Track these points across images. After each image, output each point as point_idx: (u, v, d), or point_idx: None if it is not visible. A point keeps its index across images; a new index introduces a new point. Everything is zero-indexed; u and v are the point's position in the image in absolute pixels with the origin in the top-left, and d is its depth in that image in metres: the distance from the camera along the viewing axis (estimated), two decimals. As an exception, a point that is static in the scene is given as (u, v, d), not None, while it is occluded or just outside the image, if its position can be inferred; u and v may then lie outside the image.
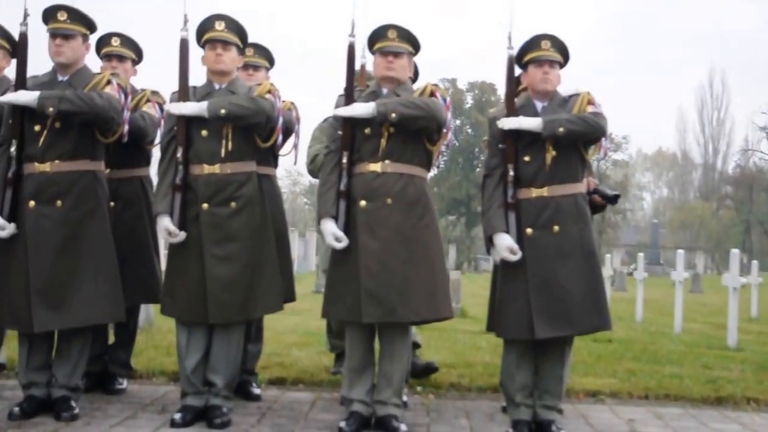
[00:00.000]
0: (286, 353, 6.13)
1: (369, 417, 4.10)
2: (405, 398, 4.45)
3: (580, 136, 3.97)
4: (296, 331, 7.82)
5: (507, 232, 3.99)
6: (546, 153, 4.00)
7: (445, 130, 4.14)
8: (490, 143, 4.21)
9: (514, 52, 4.09)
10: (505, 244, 3.96)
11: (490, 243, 4.08)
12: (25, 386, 4.13)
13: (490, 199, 4.07)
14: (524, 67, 4.11)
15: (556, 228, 3.98)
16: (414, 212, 4.06)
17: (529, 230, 3.99)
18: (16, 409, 4.03)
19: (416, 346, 5.35)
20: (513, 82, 4.08)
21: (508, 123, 3.99)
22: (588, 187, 4.36)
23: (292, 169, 46.68)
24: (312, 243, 25.45)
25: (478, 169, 48.22)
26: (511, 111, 4.03)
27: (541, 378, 4.12)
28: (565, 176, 4.03)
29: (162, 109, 4.64)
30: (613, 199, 4.55)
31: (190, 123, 4.08)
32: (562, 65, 4.12)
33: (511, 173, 4.01)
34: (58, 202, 4.02)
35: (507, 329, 4.06)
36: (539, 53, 4.05)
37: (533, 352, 4.10)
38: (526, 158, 4.01)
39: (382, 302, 3.95)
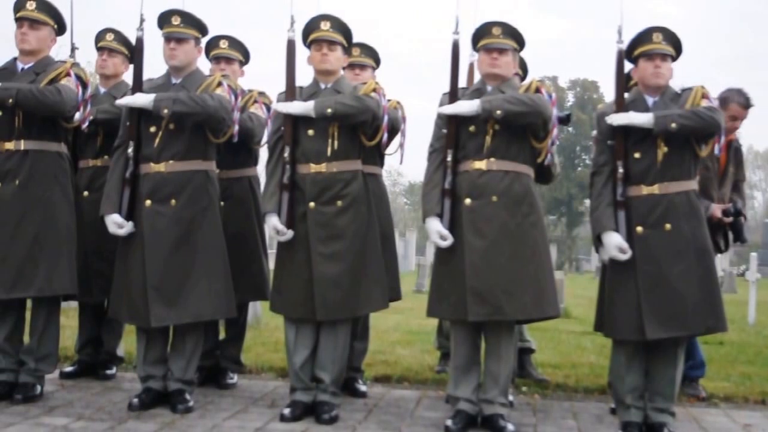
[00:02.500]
0: (390, 351, 6.17)
1: (475, 415, 4.08)
2: (511, 397, 4.41)
3: (693, 131, 3.85)
4: (399, 329, 7.85)
5: (616, 230, 3.90)
6: (657, 149, 3.90)
7: (551, 126, 4.09)
8: (599, 140, 4.13)
9: (624, 45, 3.99)
10: (615, 242, 3.88)
11: (598, 242, 4.00)
12: (143, 379, 4.29)
13: (598, 197, 3.99)
14: (634, 61, 4.02)
15: (667, 226, 3.87)
16: (520, 210, 4.01)
17: (639, 228, 3.89)
18: (135, 400, 4.19)
19: (530, 351, 5.30)
20: (623, 77, 3.99)
21: (617, 119, 3.91)
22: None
23: (392, 169, 46.87)
24: (412, 243, 25.53)
25: (579, 168, 47.37)
26: (621, 107, 3.94)
27: (653, 380, 4.01)
28: (677, 173, 3.91)
29: (269, 110, 4.74)
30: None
31: (297, 122, 4.15)
32: (674, 59, 4.00)
33: (621, 170, 3.92)
34: (173, 201, 4.16)
35: (616, 329, 3.97)
36: (650, 46, 3.94)
37: (644, 353, 4.00)
38: (636, 155, 3.91)
39: (488, 300, 3.93)
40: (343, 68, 4.47)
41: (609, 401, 4.68)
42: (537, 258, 4.02)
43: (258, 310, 7.31)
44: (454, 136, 4.07)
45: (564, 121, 4.40)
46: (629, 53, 4.01)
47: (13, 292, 4.18)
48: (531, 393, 5.04)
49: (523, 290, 3.95)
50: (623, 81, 3.99)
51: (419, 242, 31.24)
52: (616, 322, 3.94)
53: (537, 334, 7.47)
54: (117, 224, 4.15)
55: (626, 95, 4.01)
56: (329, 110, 4.06)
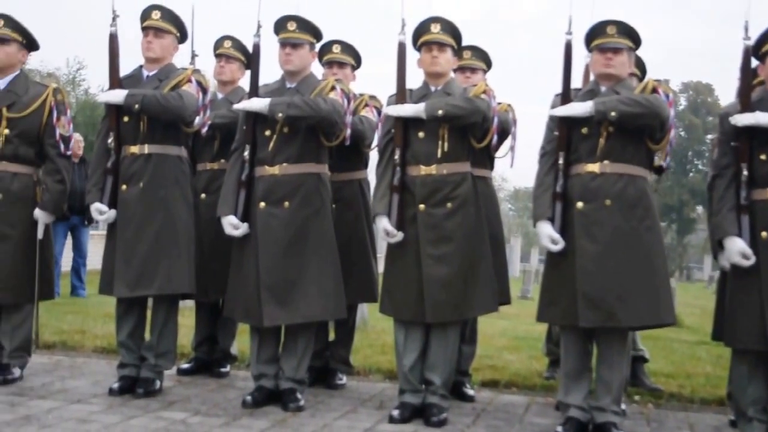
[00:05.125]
0: (498, 356, 6.12)
1: (586, 423, 3.99)
2: (623, 406, 4.30)
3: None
4: (506, 335, 7.79)
5: (739, 235, 3.76)
6: (785, 150, 3.74)
7: (668, 128, 3.97)
8: (721, 141, 3.98)
9: (751, 42, 3.84)
10: (737, 248, 3.74)
11: (719, 247, 3.86)
12: (256, 377, 4.39)
13: (720, 201, 3.85)
14: (762, 58, 3.86)
15: (796, 232, 3.71)
16: (634, 214, 3.91)
17: (765, 234, 3.73)
18: (248, 398, 4.29)
19: (643, 360, 5.17)
20: (749, 75, 3.83)
21: (742, 119, 3.76)
22: None
23: (497, 175, 46.58)
24: (517, 249, 25.28)
25: (691, 174, 45.93)
26: (746, 106, 3.79)
27: (779, 392, 3.84)
28: None
29: (379, 113, 4.78)
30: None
31: (407, 125, 4.18)
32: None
33: (745, 173, 3.77)
34: (286, 203, 4.24)
35: (737, 338, 3.82)
36: None
37: (767, 364, 3.84)
38: (763, 156, 3.76)
39: (601, 306, 3.84)
40: (454, 71, 4.48)
41: (728, 413, 4.51)
42: (652, 263, 3.92)
43: (365, 312, 7.37)
44: (566, 138, 4.01)
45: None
46: (756, 50, 3.85)
47: (135, 290, 4.35)
48: (644, 402, 4.91)
49: (637, 296, 3.85)
50: (749, 79, 3.84)
51: (524, 248, 30.94)
52: (738, 331, 3.80)
53: (648, 343, 7.25)
54: (233, 225, 4.26)
55: (752, 94, 3.86)
56: (440, 112, 4.06)
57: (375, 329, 7.12)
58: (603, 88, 4.02)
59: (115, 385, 4.43)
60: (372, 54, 5.53)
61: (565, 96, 4.04)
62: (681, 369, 6.00)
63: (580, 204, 3.94)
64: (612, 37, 3.97)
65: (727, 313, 3.88)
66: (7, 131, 4.49)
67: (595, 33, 4.02)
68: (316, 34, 4.38)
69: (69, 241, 9.63)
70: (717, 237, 3.85)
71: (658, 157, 4.10)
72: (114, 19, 4.40)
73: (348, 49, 4.95)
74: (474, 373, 5.10)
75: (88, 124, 18.16)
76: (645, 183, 3.99)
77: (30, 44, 4.62)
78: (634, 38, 4.02)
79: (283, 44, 4.31)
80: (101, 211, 4.39)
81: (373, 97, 4.91)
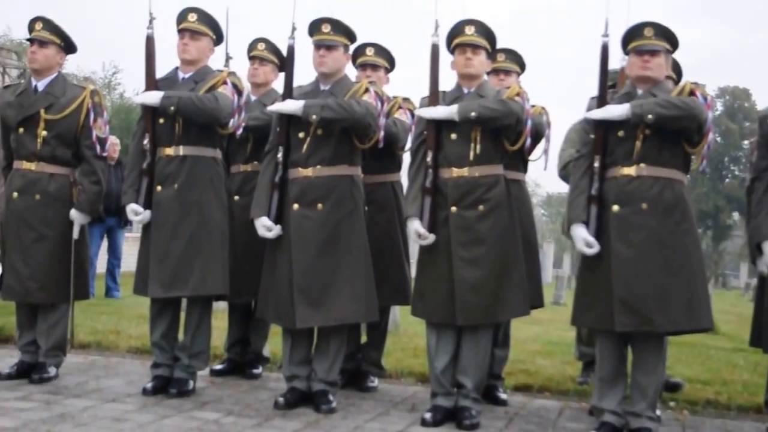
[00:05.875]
0: (531, 361, 6.07)
1: (621, 428, 3.95)
2: (658, 412, 4.26)
3: None
4: (538, 340, 7.72)
5: (778, 238, 3.70)
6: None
7: (706, 131, 3.92)
8: (760, 144, 3.93)
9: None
10: (776, 251, 3.68)
11: (757, 251, 3.80)
12: (288, 378, 4.40)
13: (759, 204, 3.80)
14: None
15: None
16: (671, 218, 3.87)
17: (804, 237, 3.67)
18: (281, 399, 4.30)
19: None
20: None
21: (782, 120, 3.71)
22: None
23: (530, 180, 46.37)
24: (549, 254, 25.12)
25: (727, 180, 45.36)
26: (785, 108, 3.74)
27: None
28: None
29: (413, 115, 4.77)
30: None
31: (440, 127, 4.16)
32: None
33: (784, 175, 3.72)
34: (319, 205, 4.25)
35: (777, 345, 3.76)
36: None
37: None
38: (802, 158, 3.71)
39: (637, 311, 3.80)
40: (488, 73, 4.46)
41: (765, 421, 4.45)
42: (689, 267, 3.87)
43: (397, 315, 7.36)
44: (601, 141, 3.97)
45: None
46: None
47: (170, 291, 4.38)
48: (679, 408, 4.85)
49: (674, 301, 3.80)
50: None
51: (557, 254, 30.73)
52: (777, 337, 3.73)
53: (684, 349, 7.21)
54: (266, 227, 4.27)
55: None
56: (473, 114, 4.05)
57: (407, 332, 7.11)
58: (640, 91, 3.98)
59: (149, 385, 4.47)
60: (405, 57, 5.51)
61: (602, 99, 4.00)
62: (718, 376, 5.91)
63: (615, 207, 3.90)
64: (649, 39, 3.93)
65: (766, 318, 3.82)
66: (45, 133, 4.55)
67: (632, 35, 3.98)
68: (350, 36, 4.39)
69: (104, 243, 9.73)
70: (755, 241, 3.80)
71: (693, 161, 4.05)
72: (151, 21, 4.45)
73: (382, 51, 4.95)
74: (507, 377, 5.06)
75: (123, 128, 18.35)
76: (682, 186, 3.95)
77: (68, 47, 4.69)
78: (672, 40, 3.97)
79: (317, 46, 4.32)
80: (137, 212, 4.43)
81: (406, 100, 4.90)
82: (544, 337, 8.03)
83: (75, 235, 4.61)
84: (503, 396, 4.76)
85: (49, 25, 4.59)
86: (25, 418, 3.81)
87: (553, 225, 45.92)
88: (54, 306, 4.65)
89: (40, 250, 4.56)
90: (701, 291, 3.90)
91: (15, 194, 4.59)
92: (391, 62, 5.00)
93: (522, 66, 4.84)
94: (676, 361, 6.11)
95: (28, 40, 4.64)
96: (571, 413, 4.62)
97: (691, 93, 3.90)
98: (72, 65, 22.12)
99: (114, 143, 8.88)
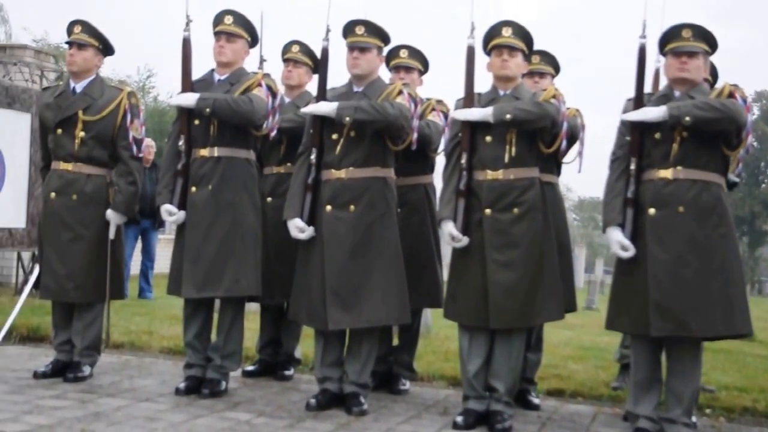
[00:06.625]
0: (563, 365, 6.02)
1: (655, 435, 3.91)
2: (694, 419, 4.19)
3: None
4: (570, 344, 7.65)
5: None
6: None
7: (745, 134, 3.86)
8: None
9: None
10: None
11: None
12: (320, 380, 4.40)
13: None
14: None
15: None
16: (709, 221, 3.82)
17: None
18: (312, 400, 4.30)
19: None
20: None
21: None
22: None
23: (561, 184, 46.02)
24: (581, 258, 24.91)
25: (764, 185, 44.75)
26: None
27: None
28: None
29: (446, 117, 4.76)
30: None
31: (474, 129, 4.14)
32: None
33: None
34: (352, 207, 4.25)
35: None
36: None
37: None
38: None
39: (673, 315, 3.76)
40: (522, 75, 4.43)
41: (805, 429, 4.37)
42: (727, 272, 3.82)
43: (428, 319, 7.33)
44: (638, 143, 3.93)
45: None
46: None
47: (203, 291, 4.40)
48: (715, 415, 4.77)
49: (711, 305, 3.75)
50: None
51: (588, 259, 30.46)
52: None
53: (720, 356, 7.10)
54: (299, 229, 4.28)
55: None
56: (508, 116, 4.02)
57: (438, 336, 7.08)
58: (677, 93, 3.94)
59: (182, 385, 4.49)
60: (439, 59, 5.50)
61: (638, 100, 3.96)
62: (755, 383, 5.81)
63: (652, 210, 3.86)
64: (687, 40, 3.88)
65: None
66: (82, 134, 4.60)
67: (669, 37, 3.94)
68: (384, 38, 4.39)
69: (138, 245, 9.81)
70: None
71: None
72: (187, 23, 4.48)
73: (415, 53, 4.94)
74: (539, 381, 5.03)
75: (157, 131, 18.52)
76: (720, 189, 3.90)
77: (106, 49, 4.74)
78: (710, 42, 3.93)
79: (351, 48, 4.32)
80: (171, 212, 4.47)
81: (439, 102, 4.89)
82: (576, 341, 7.95)
83: (111, 235, 4.66)
84: (536, 400, 4.72)
85: (88, 28, 4.64)
86: (60, 416, 3.85)
87: (585, 230, 45.58)
88: (90, 305, 4.70)
89: (77, 249, 4.60)
90: (739, 296, 3.84)
91: (53, 194, 4.65)
92: (425, 64, 4.99)
93: (557, 68, 4.81)
94: (712, 368, 6.02)
95: (67, 42, 4.70)
96: (605, 418, 4.57)
97: (731, 95, 3.85)
98: (107, 69, 22.38)
99: (149, 145, 8.96)
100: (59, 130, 4.64)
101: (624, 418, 4.37)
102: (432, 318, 7.26)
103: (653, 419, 3.91)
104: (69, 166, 4.64)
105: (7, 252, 8.73)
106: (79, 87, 4.67)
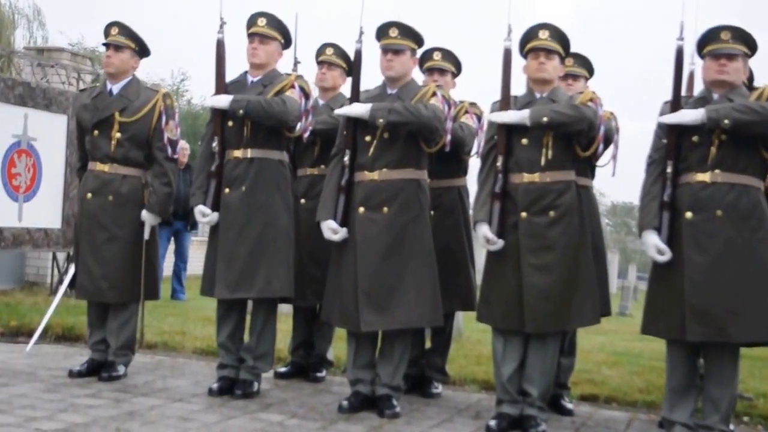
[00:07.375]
0: (596, 371, 5.95)
1: (692, 442, 3.85)
2: (731, 426, 4.12)
3: None
4: (604, 350, 7.57)
5: None
6: None
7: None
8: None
9: None
10: None
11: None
12: (352, 382, 4.39)
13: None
14: None
15: None
16: (747, 225, 3.76)
17: None
18: (345, 402, 4.29)
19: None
20: None
21: None
22: None
23: (594, 189, 45.64)
24: (614, 263, 24.67)
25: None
26: None
27: None
28: None
29: (479, 120, 4.74)
30: None
31: (510, 132, 4.12)
32: None
33: None
34: (385, 209, 4.24)
35: None
36: None
37: None
38: None
39: (710, 320, 3.70)
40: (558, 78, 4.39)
41: None
42: (766, 277, 3.75)
43: (460, 322, 7.29)
44: (674, 146, 3.88)
45: None
46: None
47: (236, 292, 4.42)
48: (753, 424, 4.69)
49: (750, 310, 3.70)
50: None
51: (621, 264, 30.17)
52: None
53: (758, 364, 6.94)
54: (332, 230, 4.28)
55: None
56: (545, 119, 3.99)
57: (470, 340, 7.04)
58: (715, 96, 3.88)
59: (215, 386, 4.51)
60: (472, 61, 5.47)
61: (675, 103, 3.91)
62: (793, 391, 5.70)
63: (689, 214, 3.81)
64: (726, 42, 3.83)
65: None
66: (119, 135, 4.64)
67: (708, 39, 3.88)
68: (418, 40, 4.38)
69: (171, 246, 9.88)
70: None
71: None
72: (221, 25, 4.50)
73: (449, 56, 4.93)
74: (572, 387, 4.98)
75: (190, 134, 18.65)
76: (759, 194, 3.84)
77: (142, 51, 4.78)
78: (750, 44, 3.87)
79: (385, 50, 4.32)
80: (204, 214, 4.49)
81: (473, 104, 4.87)
82: (609, 347, 7.86)
83: (146, 235, 4.69)
84: (569, 405, 4.67)
85: (125, 30, 4.69)
86: (94, 415, 3.88)
87: (617, 235, 45.18)
88: (124, 305, 4.74)
89: (112, 250, 4.65)
90: (780, 301, 3.77)
91: (89, 195, 4.70)
92: (458, 67, 4.97)
93: (591, 71, 4.77)
94: (749, 375, 5.91)
95: (104, 44, 4.75)
96: (640, 425, 4.52)
97: (771, 97, 3.79)
98: (142, 72, 22.57)
99: (183, 148, 9.03)
100: (96, 132, 4.69)
101: (660, 424, 4.32)
102: (464, 322, 7.23)
103: (690, 426, 3.86)
104: (105, 167, 4.68)
105: (43, 252, 8.84)
106: (116, 88, 4.72)
